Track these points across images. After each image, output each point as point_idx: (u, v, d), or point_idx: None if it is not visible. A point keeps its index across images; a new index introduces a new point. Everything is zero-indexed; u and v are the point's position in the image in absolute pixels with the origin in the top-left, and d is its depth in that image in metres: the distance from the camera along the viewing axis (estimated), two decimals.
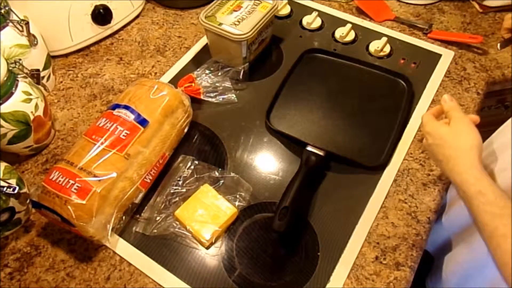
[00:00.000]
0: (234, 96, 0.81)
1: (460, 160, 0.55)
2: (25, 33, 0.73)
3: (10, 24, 0.72)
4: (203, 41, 0.92)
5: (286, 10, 0.97)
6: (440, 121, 0.61)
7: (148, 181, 0.66)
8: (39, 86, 0.73)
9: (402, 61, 0.87)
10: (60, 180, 0.58)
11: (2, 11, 0.70)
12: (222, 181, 0.69)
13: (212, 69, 0.80)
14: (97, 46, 0.93)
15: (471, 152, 0.54)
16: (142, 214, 0.66)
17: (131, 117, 0.65)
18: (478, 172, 0.53)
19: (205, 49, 0.90)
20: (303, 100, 0.81)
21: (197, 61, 0.88)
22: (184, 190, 0.68)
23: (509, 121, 0.64)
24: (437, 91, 0.82)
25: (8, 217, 0.62)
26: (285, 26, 0.96)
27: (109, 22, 0.90)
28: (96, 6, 0.86)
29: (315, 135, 0.75)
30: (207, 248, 0.64)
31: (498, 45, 0.83)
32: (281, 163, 0.73)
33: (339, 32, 0.92)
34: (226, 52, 0.82)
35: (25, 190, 0.63)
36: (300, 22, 0.96)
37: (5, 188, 0.58)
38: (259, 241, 0.64)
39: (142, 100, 0.67)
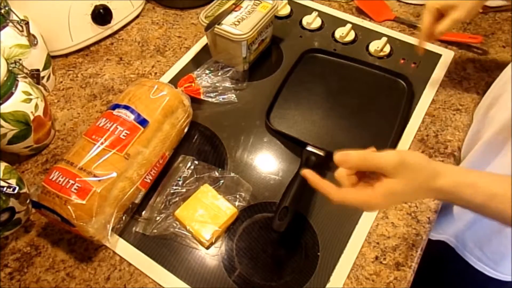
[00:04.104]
0: (234, 96, 0.81)
1: (440, 180, 0.46)
2: (25, 33, 0.73)
3: (10, 24, 0.72)
4: (203, 41, 0.92)
5: (286, 10, 0.97)
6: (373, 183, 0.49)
7: (148, 181, 0.66)
8: (39, 86, 0.73)
9: (402, 61, 0.87)
10: (60, 180, 0.58)
11: (2, 11, 0.70)
12: (222, 181, 0.69)
13: (212, 69, 0.80)
14: (97, 46, 0.93)
15: (432, 165, 0.47)
16: (142, 214, 0.66)
17: (131, 117, 0.65)
18: (462, 176, 0.46)
19: (205, 49, 0.90)
20: (303, 100, 0.81)
21: (197, 61, 0.88)
22: (184, 190, 0.68)
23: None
24: (437, 91, 0.82)
25: (8, 217, 0.62)
26: (285, 26, 0.96)
27: (109, 22, 0.90)
28: (96, 6, 0.86)
29: (315, 135, 0.75)
30: (207, 248, 0.64)
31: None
32: (281, 163, 0.73)
33: (339, 32, 0.92)
34: (226, 52, 0.82)
35: (25, 190, 0.63)
36: (300, 22, 0.96)
37: (5, 188, 0.58)
38: (259, 241, 0.64)
39: (142, 100, 0.67)
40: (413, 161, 0.47)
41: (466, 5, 0.69)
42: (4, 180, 0.60)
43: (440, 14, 0.72)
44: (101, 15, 0.87)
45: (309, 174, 0.53)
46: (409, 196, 0.51)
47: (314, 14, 0.95)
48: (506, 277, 0.72)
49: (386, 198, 0.48)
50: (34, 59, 0.77)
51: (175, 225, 0.65)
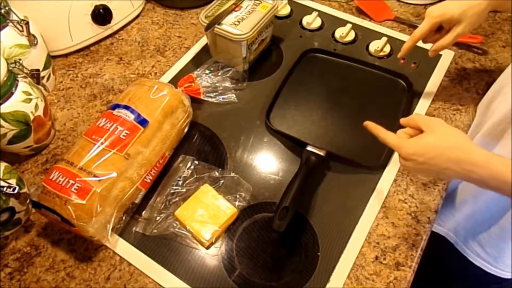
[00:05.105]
0: (234, 96, 0.81)
1: (473, 154, 0.51)
2: (25, 33, 0.73)
3: (10, 24, 0.72)
4: (203, 41, 0.92)
5: (286, 10, 0.97)
6: (411, 138, 0.58)
7: (148, 181, 0.66)
8: (39, 86, 0.73)
9: (402, 61, 0.87)
10: (60, 180, 0.58)
11: (2, 11, 0.70)
12: (222, 181, 0.69)
13: (212, 69, 0.80)
14: (97, 46, 0.93)
15: (472, 143, 0.53)
16: (142, 214, 0.66)
17: (131, 117, 0.65)
18: (497, 156, 0.50)
19: (205, 49, 0.90)
20: (303, 100, 0.81)
21: (197, 61, 0.88)
22: (184, 190, 0.68)
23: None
24: (437, 91, 0.82)
25: (8, 217, 0.62)
26: (285, 26, 0.96)
27: (109, 22, 0.90)
28: (96, 6, 0.86)
29: (315, 135, 0.75)
30: (207, 248, 0.64)
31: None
32: (281, 163, 0.73)
33: (339, 32, 0.92)
34: (226, 52, 0.82)
35: (25, 190, 0.63)
36: (300, 22, 0.96)
37: (5, 188, 0.58)
38: (259, 241, 0.64)
39: (142, 100, 0.67)
40: (451, 127, 0.55)
41: (471, 19, 0.68)
42: (4, 180, 0.60)
43: (439, 26, 0.71)
44: (101, 15, 0.87)
45: (370, 124, 0.62)
46: (437, 157, 0.53)
47: (314, 14, 0.95)
48: (505, 274, 0.72)
49: (421, 151, 0.54)
50: (34, 59, 0.77)
51: (175, 225, 0.65)
